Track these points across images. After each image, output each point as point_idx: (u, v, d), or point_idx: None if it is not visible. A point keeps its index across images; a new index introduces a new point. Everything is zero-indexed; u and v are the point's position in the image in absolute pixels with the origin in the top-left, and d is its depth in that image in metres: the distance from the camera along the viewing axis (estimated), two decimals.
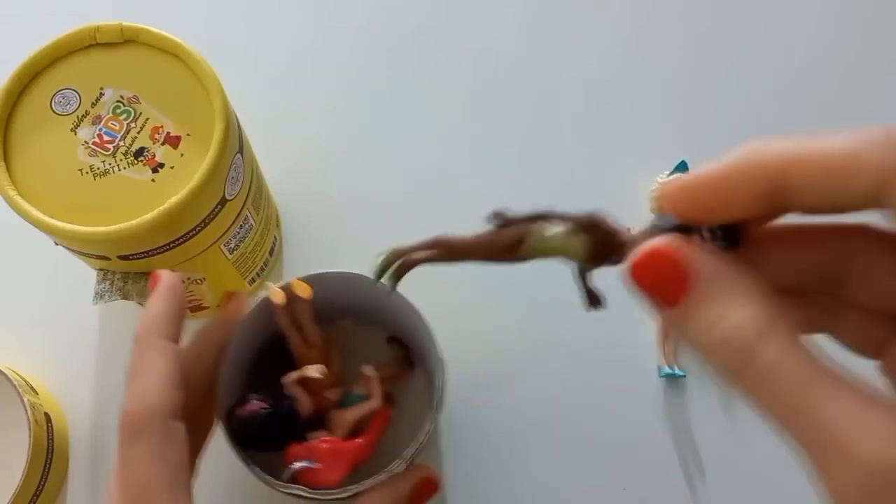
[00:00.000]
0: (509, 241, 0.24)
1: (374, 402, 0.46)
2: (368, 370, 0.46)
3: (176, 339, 0.37)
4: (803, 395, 0.19)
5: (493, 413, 0.51)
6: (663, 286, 0.21)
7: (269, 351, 0.48)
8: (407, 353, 0.51)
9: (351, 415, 0.46)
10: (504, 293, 0.54)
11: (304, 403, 0.46)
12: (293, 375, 0.45)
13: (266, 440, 0.44)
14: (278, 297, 0.44)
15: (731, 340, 0.20)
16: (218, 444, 0.42)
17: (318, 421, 0.47)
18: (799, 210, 0.22)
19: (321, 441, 0.44)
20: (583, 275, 0.25)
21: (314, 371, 0.44)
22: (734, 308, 0.20)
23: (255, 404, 0.44)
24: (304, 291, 0.44)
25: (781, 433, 0.20)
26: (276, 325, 0.46)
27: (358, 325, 0.51)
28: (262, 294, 0.44)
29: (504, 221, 0.25)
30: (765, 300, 0.21)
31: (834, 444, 0.19)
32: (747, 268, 0.21)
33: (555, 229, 0.24)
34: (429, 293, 0.43)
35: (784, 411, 0.20)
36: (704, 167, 0.22)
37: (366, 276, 0.44)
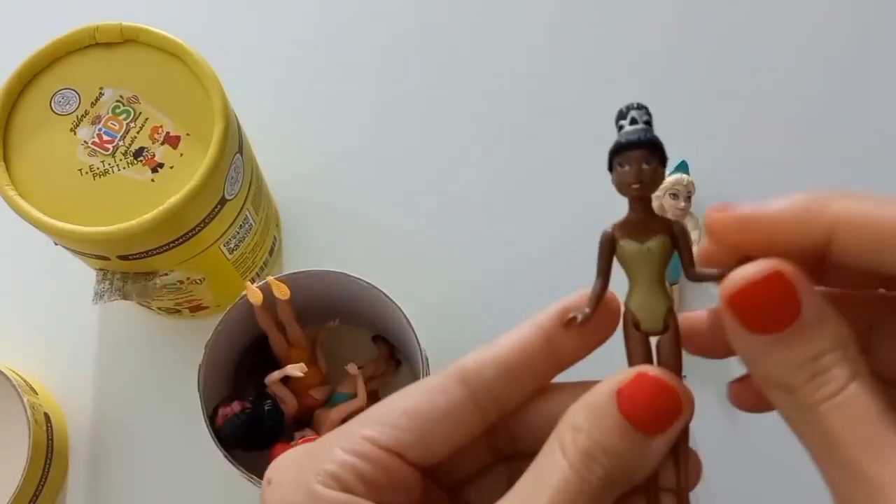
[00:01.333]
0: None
1: (360, 401, 0.46)
2: (353, 369, 0.46)
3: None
4: (864, 447, 0.20)
5: None
6: (771, 312, 0.20)
7: (258, 349, 0.48)
8: (392, 351, 0.51)
9: (337, 414, 0.46)
10: (490, 289, 0.54)
11: (289, 403, 0.46)
12: (275, 375, 0.45)
13: (249, 441, 0.44)
14: (256, 297, 0.43)
15: (826, 378, 0.20)
16: (205, 442, 0.43)
17: (305, 420, 0.47)
18: (842, 262, 0.21)
19: (307, 440, 0.44)
20: None
21: (295, 370, 0.44)
22: (834, 349, 0.20)
23: (237, 405, 0.44)
24: (281, 292, 0.44)
25: (828, 470, 0.20)
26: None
27: (343, 324, 0.50)
28: (244, 293, 0.44)
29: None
30: (854, 347, 0.21)
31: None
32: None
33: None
34: (412, 290, 0.43)
35: (842, 457, 0.20)
36: (759, 204, 0.21)
37: (349, 274, 0.44)
